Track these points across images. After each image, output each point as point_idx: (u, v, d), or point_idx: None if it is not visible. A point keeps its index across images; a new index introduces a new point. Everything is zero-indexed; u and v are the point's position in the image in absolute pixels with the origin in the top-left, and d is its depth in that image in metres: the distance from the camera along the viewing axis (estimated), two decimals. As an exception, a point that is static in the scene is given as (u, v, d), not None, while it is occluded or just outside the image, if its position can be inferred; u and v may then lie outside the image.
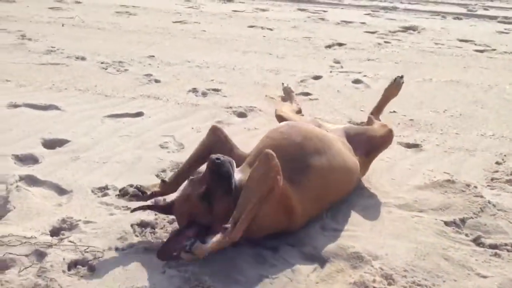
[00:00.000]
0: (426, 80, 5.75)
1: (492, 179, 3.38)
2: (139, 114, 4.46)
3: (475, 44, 7.52)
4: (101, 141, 3.81)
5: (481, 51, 7.06)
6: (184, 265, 2.40)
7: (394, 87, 3.97)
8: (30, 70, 5.56)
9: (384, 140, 3.30)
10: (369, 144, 3.24)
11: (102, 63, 5.95)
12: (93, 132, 3.97)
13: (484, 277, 2.39)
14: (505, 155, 3.75)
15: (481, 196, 3.08)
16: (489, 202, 3.01)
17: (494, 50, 7.14)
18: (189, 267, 2.38)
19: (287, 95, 4.49)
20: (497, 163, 3.62)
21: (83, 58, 6.09)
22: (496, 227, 2.78)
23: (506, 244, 2.62)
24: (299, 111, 4.13)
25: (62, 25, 7.86)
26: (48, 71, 5.56)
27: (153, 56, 6.32)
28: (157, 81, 5.44)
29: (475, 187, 3.21)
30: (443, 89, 5.43)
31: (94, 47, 6.60)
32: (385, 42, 7.60)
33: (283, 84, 4.73)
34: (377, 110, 3.95)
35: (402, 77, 3.98)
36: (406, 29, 8.53)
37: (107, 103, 4.67)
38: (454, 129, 4.30)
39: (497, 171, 3.48)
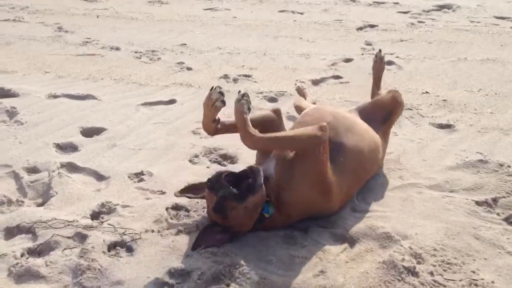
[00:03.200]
0: (460, 59, 5.63)
1: (526, 159, 3.32)
2: (172, 101, 4.57)
3: (513, 21, 7.29)
4: (136, 129, 3.94)
5: (519, 28, 6.85)
6: (217, 246, 2.48)
7: (378, 63, 3.96)
8: (67, 61, 5.75)
9: (394, 101, 3.30)
10: (381, 111, 3.26)
11: (136, 52, 6.09)
12: (128, 120, 4.11)
13: (516, 256, 2.38)
14: (541, 134, 3.67)
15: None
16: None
17: (533, 25, 6.92)
18: (221, 249, 2.47)
19: (301, 94, 4.37)
20: (532, 142, 3.55)
21: (117, 48, 6.24)
22: (522, 209, 2.75)
23: (533, 225, 2.59)
24: (314, 103, 4.14)
25: (97, 17, 8.06)
26: (84, 62, 5.74)
27: (185, 44, 6.42)
28: (189, 68, 5.54)
29: (509, 166, 3.17)
30: (478, 68, 5.31)
31: (127, 37, 6.76)
32: (419, 22, 7.46)
33: (295, 84, 4.71)
34: (376, 89, 3.92)
35: (380, 51, 4.01)
36: (440, 7, 8.34)
37: (141, 92, 4.80)
38: (489, 109, 4.22)
39: (531, 151, 3.42)
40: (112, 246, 2.55)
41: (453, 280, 2.23)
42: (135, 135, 3.83)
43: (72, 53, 6.07)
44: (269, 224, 2.58)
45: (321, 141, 2.50)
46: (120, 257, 2.47)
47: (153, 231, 2.67)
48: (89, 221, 2.73)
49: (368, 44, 6.37)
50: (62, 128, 3.92)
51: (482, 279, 2.23)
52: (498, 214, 2.72)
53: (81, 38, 6.72)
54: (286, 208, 2.57)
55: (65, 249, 2.50)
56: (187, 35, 6.87)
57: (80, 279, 2.30)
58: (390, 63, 5.55)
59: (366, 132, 2.95)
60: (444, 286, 2.20)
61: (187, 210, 2.86)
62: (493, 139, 3.65)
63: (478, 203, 2.81)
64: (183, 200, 2.92)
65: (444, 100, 4.45)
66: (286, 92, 4.75)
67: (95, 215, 2.81)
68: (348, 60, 5.72)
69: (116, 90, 4.85)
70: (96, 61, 5.78)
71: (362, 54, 5.95)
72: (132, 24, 7.58)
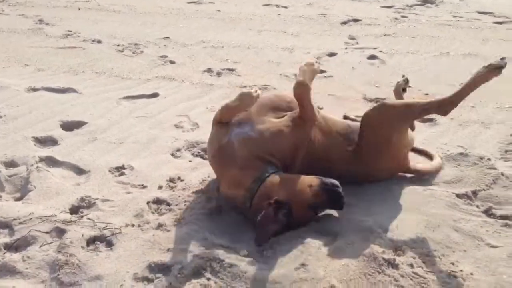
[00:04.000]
0: (443, 54, 5.67)
1: (506, 151, 3.36)
2: (154, 95, 4.52)
3: (494, 16, 7.36)
4: (118, 122, 3.89)
5: (500, 23, 6.91)
6: (196, 240, 2.47)
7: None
8: (48, 54, 5.66)
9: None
10: None
11: (118, 45, 6.02)
12: (110, 113, 4.06)
13: (494, 247, 2.40)
14: (521, 127, 3.72)
15: (494, 168, 3.08)
16: (502, 174, 3.00)
17: (514, 21, 6.99)
18: (199, 241, 2.45)
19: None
20: (512, 135, 3.59)
21: (99, 41, 6.16)
22: (508, 198, 2.78)
23: (517, 215, 2.62)
24: None
25: (79, 9, 7.94)
26: (65, 54, 5.65)
27: (168, 37, 6.36)
28: (172, 62, 5.49)
29: (489, 159, 3.20)
30: (460, 63, 5.36)
31: (110, 30, 6.67)
32: (402, 16, 7.49)
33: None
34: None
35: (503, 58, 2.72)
36: (424, 2, 8.39)
37: (123, 85, 4.74)
38: (470, 102, 4.25)
39: (511, 143, 3.45)
40: (91, 241, 2.51)
41: (433, 272, 2.24)
42: (116, 129, 3.78)
43: (53, 45, 5.98)
44: None
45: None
46: (99, 251, 2.44)
47: (133, 225, 2.64)
48: (68, 216, 2.69)
49: (352, 38, 6.38)
50: (41, 122, 3.85)
51: (461, 270, 2.24)
52: (477, 206, 2.74)
53: (62, 30, 6.62)
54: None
55: (43, 244, 2.46)
56: (170, 28, 6.81)
57: (58, 274, 2.27)
58: (373, 57, 5.58)
59: None
60: (424, 278, 2.21)
61: (168, 204, 2.83)
62: (473, 133, 3.69)
63: (458, 195, 2.83)
64: (164, 194, 2.90)
65: (426, 94, 4.47)
66: (269, 86, 4.73)
67: (74, 210, 2.77)
68: (332, 55, 5.72)
69: (97, 83, 4.78)
70: (77, 54, 5.70)
71: (346, 48, 5.96)
72: (114, 17, 7.49)
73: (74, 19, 7.26)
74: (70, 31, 6.57)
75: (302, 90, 2.71)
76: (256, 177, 2.55)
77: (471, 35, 6.39)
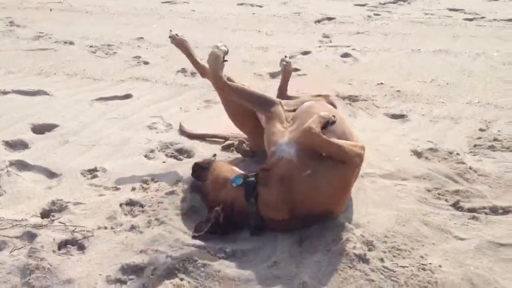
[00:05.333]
0: (414, 51, 5.75)
1: (475, 146, 3.43)
2: (127, 96, 4.49)
3: (465, 13, 7.49)
4: (90, 125, 3.86)
5: (471, 20, 7.04)
6: (170, 240, 2.47)
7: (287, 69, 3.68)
8: (18, 56, 5.57)
9: None
10: None
11: (90, 46, 5.96)
12: (82, 115, 4.02)
13: (462, 239, 2.46)
14: (489, 122, 3.80)
15: (463, 163, 3.15)
16: (470, 168, 3.08)
17: (483, 18, 7.12)
18: (173, 242, 2.45)
19: None
20: (480, 129, 3.67)
21: (71, 43, 6.09)
22: (476, 191, 2.85)
23: (484, 208, 2.69)
24: None
25: (50, 10, 7.84)
26: (36, 57, 5.57)
27: (142, 38, 6.32)
28: (146, 63, 5.46)
29: (458, 154, 3.27)
30: (431, 59, 5.44)
31: (82, 31, 6.59)
32: (375, 14, 7.58)
33: None
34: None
35: (286, 56, 3.73)
36: (396, 0, 8.48)
37: (95, 87, 4.69)
38: (440, 98, 4.34)
39: (480, 138, 3.53)
40: (63, 245, 2.49)
41: (402, 265, 2.28)
42: (88, 131, 3.75)
43: (24, 48, 5.89)
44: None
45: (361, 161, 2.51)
46: (71, 255, 2.42)
47: (106, 227, 2.63)
48: (38, 220, 2.66)
49: (326, 36, 6.43)
50: (12, 125, 3.79)
51: (430, 263, 2.29)
52: (446, 200, 2.80)
53: (33, 32, 6.52)
54: (293, 196, 2.41)
55: (13, 249, 2.42)
56: (144, 29, 6.76)
57: (29, 279, 2.25)
58: (346, 55, 5.63)
59: None
60: (394, 271, 2.25)
61: (141, 206, 2.82)
62: (443, 128, 3.75)
63: (428, 190, 2.89)
64: (137, 196, 2.89)
65: (398, 91, 4.54)
66: (244, 85, 4.72)
67: (45, 214, 2.74)
68: (306, 53, 5.76)
69: (69, 85, 4.73)
70: (49, 56, 5.62)
71: (320, 46, 6.00)
72: (87, 18, 7.40)
73: (46, 21, 7.16)
74: (42, 33, 6.48)
75: (311, 139, 2.44)
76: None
77: (442, 32, 6.49)
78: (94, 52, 5.77)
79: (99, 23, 7.10)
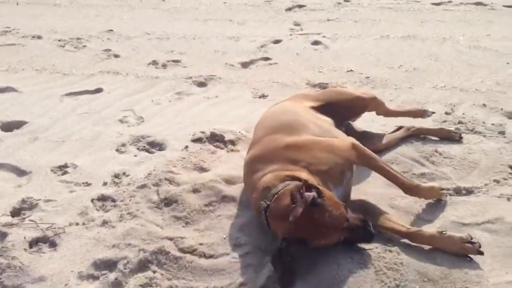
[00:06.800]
0: (383, 37, 5.82)
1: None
2: (98, 90, 4.46)
3: (433, -3, 7.59)
4: (60, 120, 3.83)
5: (438, 4, 7.14)
6: (142, 234, 2.49)
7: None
8: (-15, 53, 5.47)
9: None
10: None
11: (59, 40, 5.87)
12: (52, 111, 3.98)
13: (427, 221, 2.53)
14: (454, 105, 3.89)
15: (429, 146, 3.22)
16: (436, 151, 3.15)
17: (450, 2, 7.23)
18: (145, 235, 2.47)
19: None
20: (446, 113, 3.75)
21: (39, 37, 5.99)
22: (441, 173, 2.92)
23: (448, 189, 2.76)
24: None
25: (17, 4, 7.68)
26: (3, 52, 5.48)
27: (112, 30, 6.25)
28: (116, 55, 5.41)
29: (424, 137, 3.34)
30: (399, 45, 5.52)
31: (50, 25, 6.49)
32: (345, 1, 7.62)
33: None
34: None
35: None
36: (366, -14, 8.53)
37: (65, 82, 4.65)
38: (408, 83, 4.41)
39: (445, 121, 3.61)
40: (34, 242, 2.49)
41: (370, 248, 2.34)
42: (58, 127, 3.72)
43: (-10, 44, 5.78)
44: None
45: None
46: (43, 253, 2.43)
47: (77, 224, 2.63)
48: (9, 219, 2.65)
49: (297, 24, 6.46)
50: (-21, 124, 3.75)
51: (395, 246, 2.35)
52: (412, 183, 2.86)
53: (-1, 27, 6.40)
54: None
55: (-17, 249, 2.42)
56: (114, 21, 6.69)
57: (0, 278, 2.25)
58: (317, 43, 5.67)
59: None
60: (362, 254, 2.31)
61: (113, 200, 2.83)
62: (411, 113, 3.82)
63: (395, 174, 2.95)
64: (109, 191, 2.90)
65: (367, 77, 4.61)
66: (215, 76, 4.75)
67: (15, 212, 2.73)
68: (277, 42, 5.78)
69: (38, 81, 4.67)
70: (17, 51, 5.53)
71: (291, 35, 6.03)
72: (55, 11, 7.28)
73: (13, 15, 7.03)
74: (9, 28, 6.36)
75: None
76: None
77: (410, 17, 6.58)
78: (63, 46, 5.69)
79: (68, 16, 7.00)
